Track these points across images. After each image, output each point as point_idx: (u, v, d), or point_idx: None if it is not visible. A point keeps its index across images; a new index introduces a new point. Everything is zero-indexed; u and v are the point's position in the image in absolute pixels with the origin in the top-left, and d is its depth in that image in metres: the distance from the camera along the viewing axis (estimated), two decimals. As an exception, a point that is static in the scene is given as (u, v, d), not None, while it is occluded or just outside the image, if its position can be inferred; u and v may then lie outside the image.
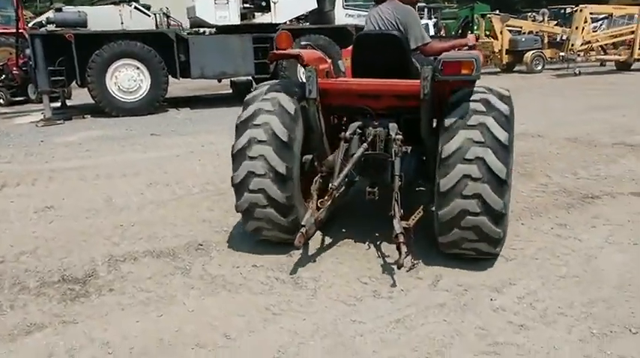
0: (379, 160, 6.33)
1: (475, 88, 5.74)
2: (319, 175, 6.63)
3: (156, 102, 17.95)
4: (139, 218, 8.05)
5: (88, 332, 5.16)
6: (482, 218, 5.45)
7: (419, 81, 6.06)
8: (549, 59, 31.94)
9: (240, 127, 6.06)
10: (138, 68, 17.78)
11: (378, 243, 6.75)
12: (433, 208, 6.23)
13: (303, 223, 5.85)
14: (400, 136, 6.12)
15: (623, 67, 30.36)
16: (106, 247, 7.01)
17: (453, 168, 5.40)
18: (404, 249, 5.49)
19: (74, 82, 18.39)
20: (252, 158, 5.87)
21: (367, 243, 6.79)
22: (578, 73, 28.75)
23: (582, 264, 6.32)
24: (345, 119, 7.22)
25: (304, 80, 6.26)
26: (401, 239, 5.51)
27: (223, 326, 5.18)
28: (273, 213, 6.06)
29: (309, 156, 6.61)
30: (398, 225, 5.64)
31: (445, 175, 5.45)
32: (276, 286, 5.86)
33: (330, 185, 5.95)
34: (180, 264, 6.51)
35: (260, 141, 5.85)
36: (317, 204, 6.22)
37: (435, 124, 6.41)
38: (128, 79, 17.61)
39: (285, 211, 6.06)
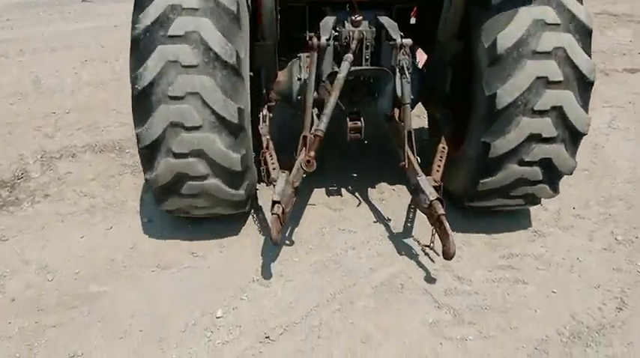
0: (369, 79, 4.42)
1: None
2: (266, 106, 4.62)
3: (86, -38, 15.60)
4: (75, 103, 6.83)
5: (20, 252, 4.22)
6: (542, 185, 4.02)
7: None
8: None
9: (144, 41, 3.52)
10: None
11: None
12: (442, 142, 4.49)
13: (276, 198, 3.65)
14: (409, 41, 4.06)
15: None
16: (37, 140, 5.87)
17: (514, 124, 3.68)
18: (447, 224, 3.62)
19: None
20: (175, 99, 3.50)
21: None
22: None
23: (589, 153, 5.62)
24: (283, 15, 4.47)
25: None
26: (440, 210, 3.66)
27: (188, 243, 4.31)
28: (216, 185, 3.87)
29: (251, 74, 4.13)
30: (429, 187, 3.79)
31: (500, 134, 3.73)
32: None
33: (312, 130, 3.92)
34: (128, 161, 5.48)
35: (186, 67, 3.48)
36: (275, 163, 4.18)
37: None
38: None
39: (237, 180, 3.93)
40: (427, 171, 4.04)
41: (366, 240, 4.36)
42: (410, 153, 4.06)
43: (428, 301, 3.76)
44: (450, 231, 3.56)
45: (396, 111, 4.43)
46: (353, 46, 4.15)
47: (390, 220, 4.58)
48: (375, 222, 4.57)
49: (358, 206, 4.76)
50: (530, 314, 3.65)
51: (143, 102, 3.55)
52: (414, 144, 4.10)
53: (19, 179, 5.18)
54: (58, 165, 5.38)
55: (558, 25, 3.58)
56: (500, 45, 3.61)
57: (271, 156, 4.20)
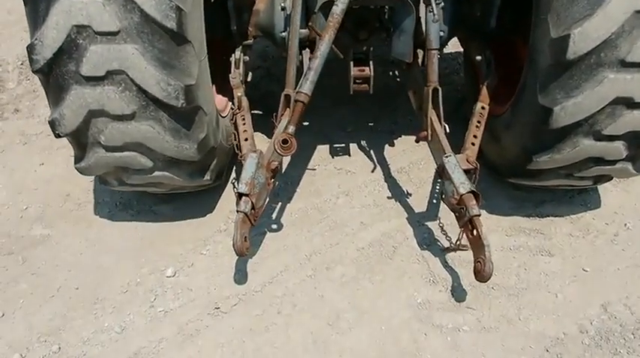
0: (382, 9, 3.28)
1: None
2: (240, 46, 3.53)
3: None
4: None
5: (-33, 180, 3.75)
6: (623, 165, 2.88)
7: None
8: None
9: None
10: None
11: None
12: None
13: (242, 190, 2.67)
14: None
15: None
16: (24, 43, 5.21)
17: (593, 82, 2.52)
18: (483, 231, 2.61)
19: None
20: (92, 79, 2.51)
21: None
22: None
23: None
24: None
25: None
26: (474, 210, 2.63)
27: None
28: (170, 177, 2.97)
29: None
30: (460, 174, 2.75)
31: (570, 95, 2.59)
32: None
33: (291, 91, 2.97)
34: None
35: (103, 34, 2.42)
36: (248, 129, 3.21)
37: None
38: None
39: (199, 168, 3.05)
40: (459, 142, 3.09)
41: (365, 185, 3.62)
42: (435, 119, 3.01)
43: (421, 273, 3.04)
44: (486, 241, 2.56)
45: (419, 53, 3.34)
46: None
47: (399, 160, 3.79)
48: (380, 161, 3.79)
49: (363, 140, 3.97)
50: (549, 299, 2.89)
51: (50, 80, 2.56)
52: (440, 106, 3.02)
53: (-8, 89, 4.64)
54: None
55: None
56: None
57: (244, 120, 3.23)
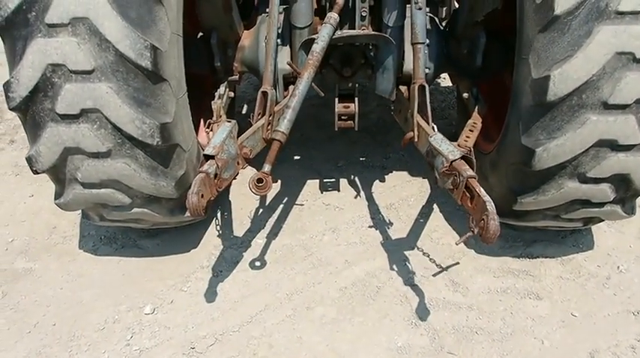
0: (367, 46, 3.25)
1: None
2: (226, 82, 3.52)
3: None
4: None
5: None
6: (611, 207, 2.81)
7: None
8: None
9: (17, 31, 2.43)
10: None
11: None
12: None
13: (209, 152, 2.44)
14: None
15: None
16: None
17: (575, 124, 2.46)
18: (482, 190, 2.26)
19: None
20: (67, 117, 2.50)
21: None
22: None
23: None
24: None
25: None
26: (467, 171, 2.33)
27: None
28: (149, 214, 2.97)
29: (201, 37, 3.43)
30: (449, 145, 2.49)
31: (552, 136, 2.53)
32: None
33: (268, 88, 2.89)
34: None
35: (77, 73, 2.43)
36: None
37: None
38: None
39: (178, 205, 2.99)
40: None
41: (352, 221, 3.57)
42: (421, 120, 2.79)
43: (403, 315, 2.95)
44: (486, 198, 2.19)
45: (402, 88, 3.27)
46: None
47: (389, 196, 3.73)
48: (369, 197, 3.73)
49: (353, 175, 3.93)
50: (535, 346, 2.78)
51: (27, 117, 2.57)
52: (428, 105, 2.79)
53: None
54: None
55: None
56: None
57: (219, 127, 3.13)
